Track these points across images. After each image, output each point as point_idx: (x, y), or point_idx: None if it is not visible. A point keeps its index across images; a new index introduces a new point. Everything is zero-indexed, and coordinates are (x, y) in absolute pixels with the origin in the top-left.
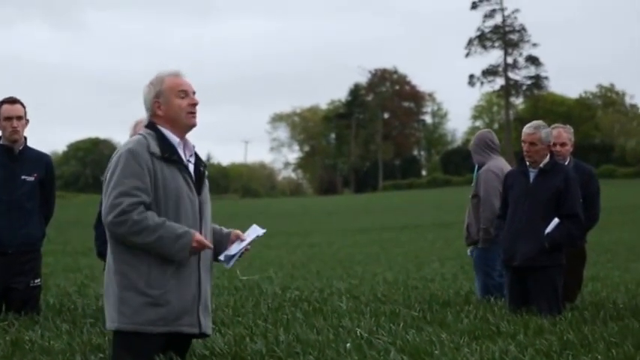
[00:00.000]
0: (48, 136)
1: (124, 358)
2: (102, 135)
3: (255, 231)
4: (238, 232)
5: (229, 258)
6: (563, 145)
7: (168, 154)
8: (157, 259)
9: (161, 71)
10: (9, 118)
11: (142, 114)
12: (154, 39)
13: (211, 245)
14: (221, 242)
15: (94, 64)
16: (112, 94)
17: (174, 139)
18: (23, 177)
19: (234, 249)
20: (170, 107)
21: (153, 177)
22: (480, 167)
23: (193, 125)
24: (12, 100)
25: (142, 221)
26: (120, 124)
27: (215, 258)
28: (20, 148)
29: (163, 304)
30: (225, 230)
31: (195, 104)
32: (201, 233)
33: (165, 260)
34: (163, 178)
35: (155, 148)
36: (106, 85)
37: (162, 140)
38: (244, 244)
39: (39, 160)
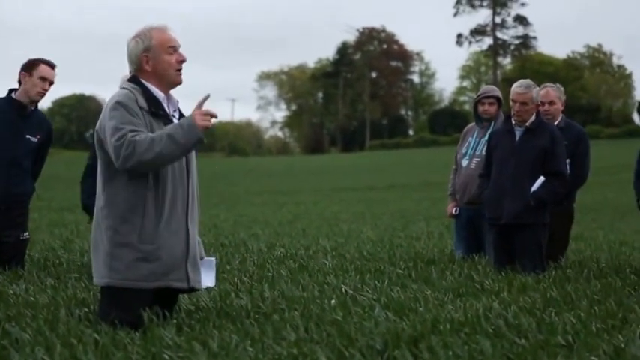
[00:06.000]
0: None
1: (112, 313)
2: (87, 91)
3: (209, 265)
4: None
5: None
6: (551, 103)
7: (155, 109)
8: (149, 213)
9: (147, 25)
10: (44, 79)
11: (119, 69)
12: None
13: (216, 114)
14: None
15: (61, 19)
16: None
17: (159, 93)
18: (28, 136)
19: (207, 273)
20: (159, 63)
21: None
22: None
23: (179, 83)
24: (52, 65)
25: (142, 139)
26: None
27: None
28: (32, 108)
29: (154, 259)
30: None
31: (183, 61)
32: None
33: (157, 214)
34: (152, 132)
35: (143, 102)
36: (74, 38)
37: (148, 94)
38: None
39: (43, 123)
